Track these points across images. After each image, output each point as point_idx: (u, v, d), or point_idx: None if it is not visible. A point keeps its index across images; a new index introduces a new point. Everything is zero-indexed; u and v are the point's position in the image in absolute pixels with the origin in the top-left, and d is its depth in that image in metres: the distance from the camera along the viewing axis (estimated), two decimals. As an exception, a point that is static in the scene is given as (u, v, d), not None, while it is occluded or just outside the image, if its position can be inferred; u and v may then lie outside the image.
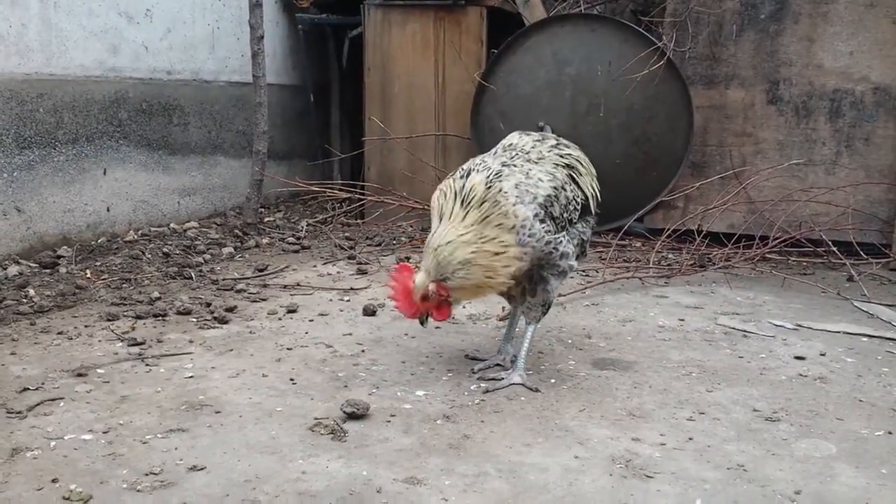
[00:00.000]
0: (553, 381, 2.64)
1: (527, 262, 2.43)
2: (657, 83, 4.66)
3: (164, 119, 4.77)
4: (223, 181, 5.27)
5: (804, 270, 4.30)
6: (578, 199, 2.60)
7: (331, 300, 3.56)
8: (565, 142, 2.76)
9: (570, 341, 3.05)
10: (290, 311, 3.34)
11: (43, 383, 2.50)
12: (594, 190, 2.74)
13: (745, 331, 3.22)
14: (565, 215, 2.51)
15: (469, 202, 2.36)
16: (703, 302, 3.63)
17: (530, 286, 2.58)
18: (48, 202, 4.04)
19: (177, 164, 4.89)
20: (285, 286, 3.75)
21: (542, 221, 2.40)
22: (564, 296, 3.59)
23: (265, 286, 3.74)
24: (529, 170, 2.47)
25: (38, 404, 2.34)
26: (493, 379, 2.62)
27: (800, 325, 3.30)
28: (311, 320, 3.25)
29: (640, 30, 4.83)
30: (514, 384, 2.56)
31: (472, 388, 2.57)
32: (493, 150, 2.63)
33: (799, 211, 4.57)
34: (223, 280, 3.77)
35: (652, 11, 5.16)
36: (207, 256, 4.21)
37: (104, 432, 2.17)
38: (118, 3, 4.42)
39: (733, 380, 2.68)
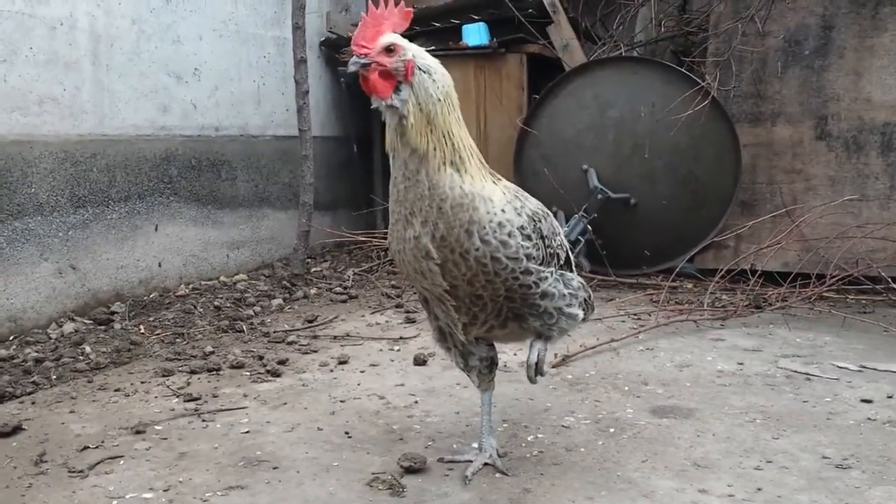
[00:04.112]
0: (612, 430, 2.58)
1: (474, 276, 2.02)
2: (702, 122, 4.63)
3: (212, 174, 4.87)
4: (270, 233, 5.34)
5: (864, 309, 4.17)
6: (564, 244, 2.28)
7: (381, 350, 3.55)
8: None
9: (626, 388, 2.98)
10: (341, 363, 3.34)
11: (103, 441, 2.52)
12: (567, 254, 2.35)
13: (807, 374, 3.12)
14: (553, 244, 2.17)
15: None
16: (761, 344, 3.54)
17: (499, 323, 2.17)
18: (102, 259, 4.12)
19: (225, 217, 4.97)
20: (335, 337, 3.75)
21: (527, 237, 2.04)
22: (618, 341, 3.53)
23: (315, 337, 3.75)
24: (517, 189, 2.16)
25: (98, 462, 2.35)
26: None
27: (864, 367, 3.19)
28: (362, 371, 3.24)
29: (683, 70, 4.82)
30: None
31: (529, 438, 2.52)
32: None
33: (855, 247, 4.45)
34: (274, 332, 3.78)
35: (693, 51, 5.16)
36: (257, 309, 4.24)
37: (164, 490, 2.17)
38: (168, 63, 4.55)
39: (799, 426, 2.59)
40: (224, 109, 4.97)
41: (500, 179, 2.11)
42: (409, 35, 6.17)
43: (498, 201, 2.00)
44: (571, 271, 2.32)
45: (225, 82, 4.96)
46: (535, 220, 2.08)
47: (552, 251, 2.15)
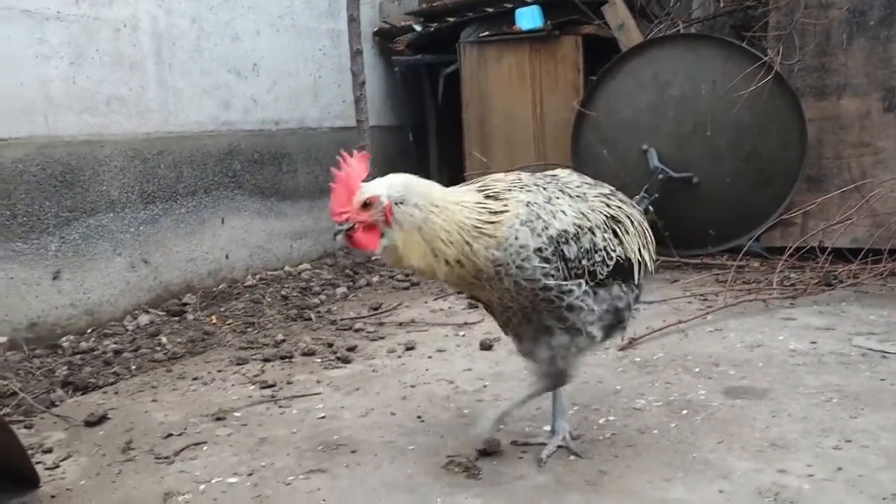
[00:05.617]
0: (685, 412, 2.56)
1: (503, 294, 2.07)
2: (765, 98, 4.52)
3: (274, 167, 4.96)
4: (331, 223, 5.37)
5: (940, 284, 4.05)
6: (613, 254, 2.15)
7: (446, 336, 3.58)
8: (625, 198, 2.38)
9: (697, 370, 2.95)
10: (408, 349, 3.38)
11: (185, 428, 2.61)
12: (642, 258, 2.29)
13: (883, 351, 3.05)
14: (584, 263, 2.08)
15: (482, 188, 2.09)
16: (834, 322, 3.46)
17: (532, 333, 2.17)
18: (172, 252, 4.24)
19: (287, 209, 5.05)
20: (400, 324, 3.80)
21: (545, 260, 2.01)
22: (685, 322, 3.49)
23: (381, 324, 3.80)
24: (556, 198, 2.10)
25: (183, 449, 2.44)
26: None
27: (942, 343, 3.10)
28: (429, 357, 3.28)
29: (744, 45, 4.71)
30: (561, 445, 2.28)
31: (600, 421, 2.52)
32: (532, 173, 2.29)
33: (929, 222, 4.31)
34: (341, 320, 3.85)
35: (754, 26, 5.04)
36: (323, 297, 4.33)
37: (248, 475, 2.25)
38: (227, 60, 4.64)
39: (877, 404, 2.54)
40: (283, 103, 5.05)
41: (517, 197, 2.05)
42: (462, 21, 6.12)
43: (509, 230, 1.99)
44: (626, 284, 2.22)
45: (283, 76, 5.04)
46: (557, 242, 2.02)
47: (578, 271, 2.07)
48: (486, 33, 5.42)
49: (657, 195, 4.55)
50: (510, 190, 2.07)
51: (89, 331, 3.74)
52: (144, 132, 4.14)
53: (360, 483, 2.16)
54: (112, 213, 3.93)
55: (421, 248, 1.97)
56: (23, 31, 3.55)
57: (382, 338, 3.58)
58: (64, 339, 3.60)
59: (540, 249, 2.00)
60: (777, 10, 4.85)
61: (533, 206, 2.03)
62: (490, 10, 5.44)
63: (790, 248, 4.30)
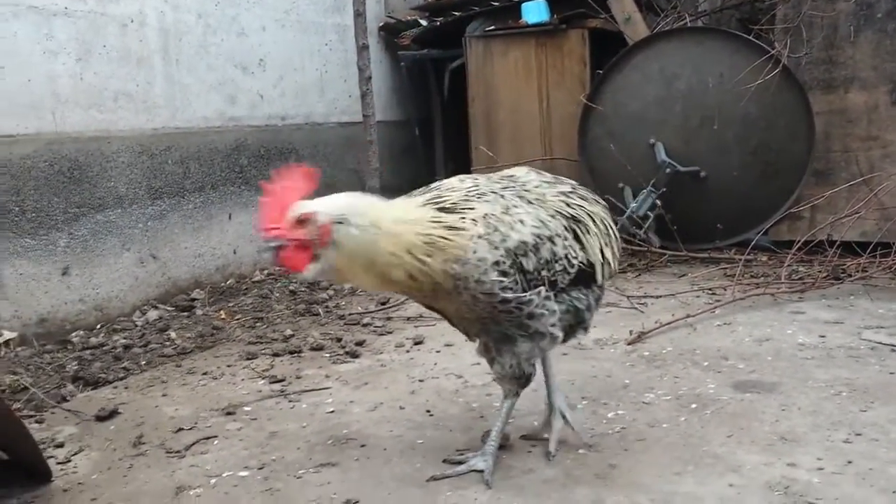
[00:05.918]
0: (694, 406, 2.56)
1: (459, 306, 2.03)
2: (773, 91, 4.50)
3: (280, 162, 4.94)
4: (337, 218, 5.40)
5: (949, 278, 4.04)
6: (574, 261, 2.10)
7: (454, 330, 3.56)
8: (585, 193, 2.29)
9: (705, 364, 2.95)
10: (416, 343, 3.39)
11: (196, 422, 2.62)
12: (604, 257, 2.21)
13: (892, 345, 3.04)
14: (544, 273, 2.03)
15: (434, 200, 2.00)
16: (842, 316, 3.45)
17: (494, 343, 2.12)
18: (180, 248, 4.25)
19: (294, 204, 5.05)
20: (408, 318, 3.80)
21: (503, 273, 1.95)
22: (693, 316, 3.49)
23: (389, 319, 3.80)
24: (513, 206, 2.03)
25: (194, 443, 2.45)
26: (458, 462, 2.21)
27: (952, 337, 3.09)
28: (437, 351, 3.28)
29: (751, 38, 4.70)
30: (474, 471, 2.14)
31: (609, 415, 2.52)
32: (489, 176, 2.22)
33: (938, 215, 4.29)
34: (349, 315, 3.86)
35: (761, 19, 5.02)
36: (331, 292, 4.33)
37: (259, 468, 2.26)
38: (234, 55, 4.64)
39: (887, 398, 2.54)
40: (289, 99, 5.05)
41: (472, 208, 1.97)
42: (468, 15, 6.09)
43: (467, 243, 1.93)
44: (588, 288, 2.18)
45: (289, 72, 5.04)
46: (515, 255, 1.97)
47: (536, 283, 2.03)
48: (492, 27, 5.41)
49: (664, 189, 4.55)
50: (467, 200, 1.99)
51: (98, 326, 3.75)
52: (151, 128, 4.15)
53: (370, 477, 2.17)
54: (120, 209, 3.94)
55: (367, 269, 1.90)
56: (30, 27, 3.55)
57: (390, 332, 3.59)
58: (73, 334, 3.61)
59: (497, 263, 1.94)
60: (784, 2, 4.84)
61: (490, 217, 1.97)
62: (496, 3, 5.43)
63: (798, 241, 4.30)
